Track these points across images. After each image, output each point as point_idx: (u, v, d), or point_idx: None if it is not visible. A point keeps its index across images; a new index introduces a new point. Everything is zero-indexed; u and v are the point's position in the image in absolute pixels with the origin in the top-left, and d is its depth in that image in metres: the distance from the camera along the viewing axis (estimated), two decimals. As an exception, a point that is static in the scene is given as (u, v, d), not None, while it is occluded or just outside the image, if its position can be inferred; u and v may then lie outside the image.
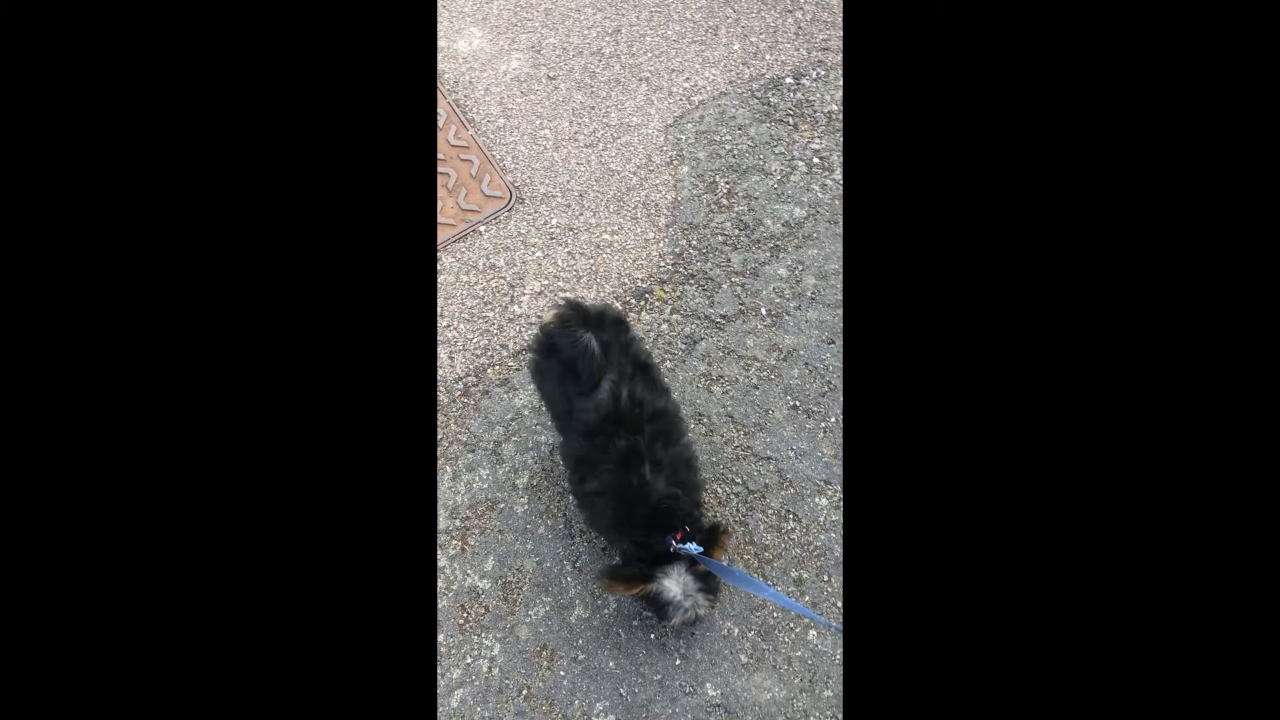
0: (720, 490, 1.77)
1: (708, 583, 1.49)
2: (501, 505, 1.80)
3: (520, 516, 1.79)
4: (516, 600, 1.70)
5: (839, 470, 1.77)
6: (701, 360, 1.94)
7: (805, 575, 1.67)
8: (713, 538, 1.47)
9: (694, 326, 1.99)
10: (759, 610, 1.64)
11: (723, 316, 1.99)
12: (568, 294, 2.04)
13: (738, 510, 1.75)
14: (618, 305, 2.01)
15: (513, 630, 1.67)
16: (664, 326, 2.00)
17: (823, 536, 1.70)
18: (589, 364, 1.47)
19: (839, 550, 1.69)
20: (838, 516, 1.72)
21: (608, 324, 1.54)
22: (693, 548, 1.44)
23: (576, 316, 1.53)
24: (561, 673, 1.62)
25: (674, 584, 1.45)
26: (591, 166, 2.24)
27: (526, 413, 1.91)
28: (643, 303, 2.04)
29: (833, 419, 1.83)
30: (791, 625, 1.62)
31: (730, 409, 1.87)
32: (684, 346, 1.96)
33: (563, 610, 1.68)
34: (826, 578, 1.66)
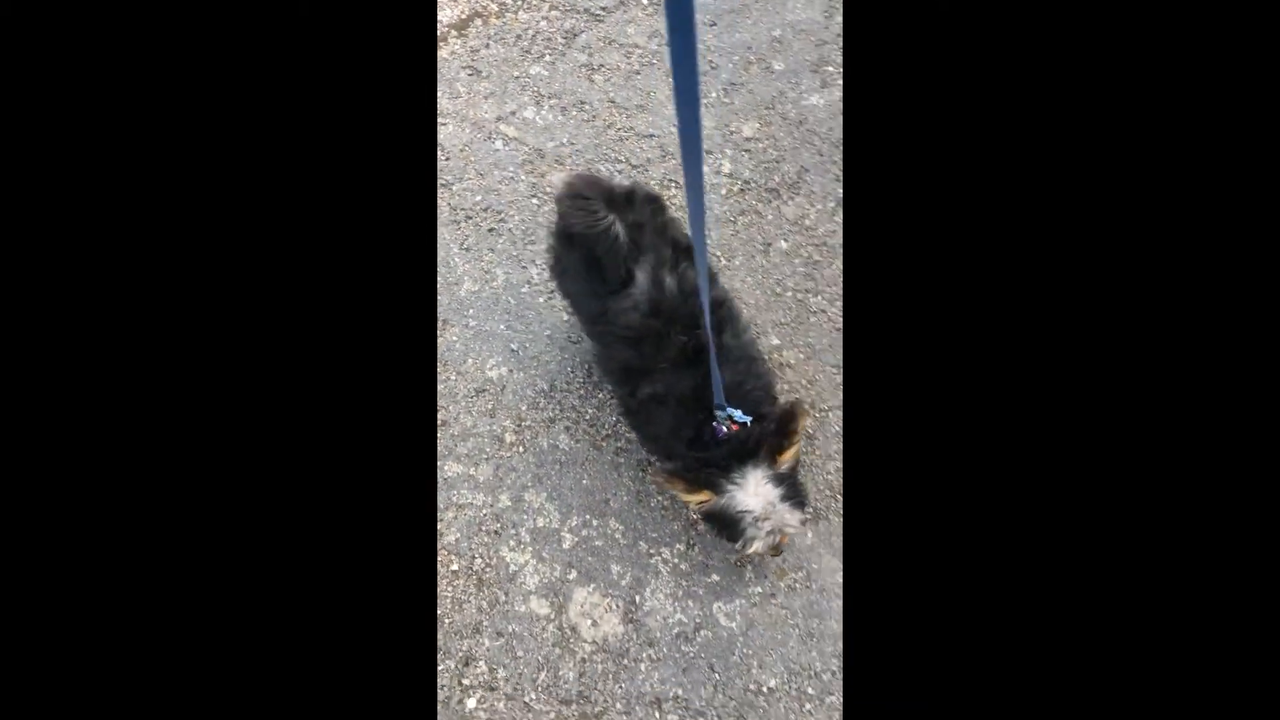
0: (603, 169, 1.77)
1: (794, 490, 1.20)
2: (383, 200, 1.76)
3: (403, 209, 1.76)
4: (405, 282, 1.70)
5: (719, 140, 1.78)
6: (582, 52, 1.88)
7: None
8: (785, 424, 1.18)
9: (573, 21, 1.92)
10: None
11: (602, 8, 1.92)
12: (582, 169, 1.63)
13: (621, 185, 1.76)
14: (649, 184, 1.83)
15: (402, 308, 1.68)
16: (542, 24, 1.93)
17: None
18: (614, 254, 1.17)
19: (719, 209, 1.73)
20: (716, 180, 1.75)
21: (638, 203, 1.24)
22: (737, 414, 1.20)
23: (597, 196, 1.21)
24: (454, 338, 1.65)
25: (749, 495, 1.16)
26: None
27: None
28: (520, 2, 1.95)
29: (712, 95, 1.82)
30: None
31: (612, 95, 1.84)
32: (563, 41, 1.90)
33: (451, 287, 1.70)
34: (708, 230, 1.71)
